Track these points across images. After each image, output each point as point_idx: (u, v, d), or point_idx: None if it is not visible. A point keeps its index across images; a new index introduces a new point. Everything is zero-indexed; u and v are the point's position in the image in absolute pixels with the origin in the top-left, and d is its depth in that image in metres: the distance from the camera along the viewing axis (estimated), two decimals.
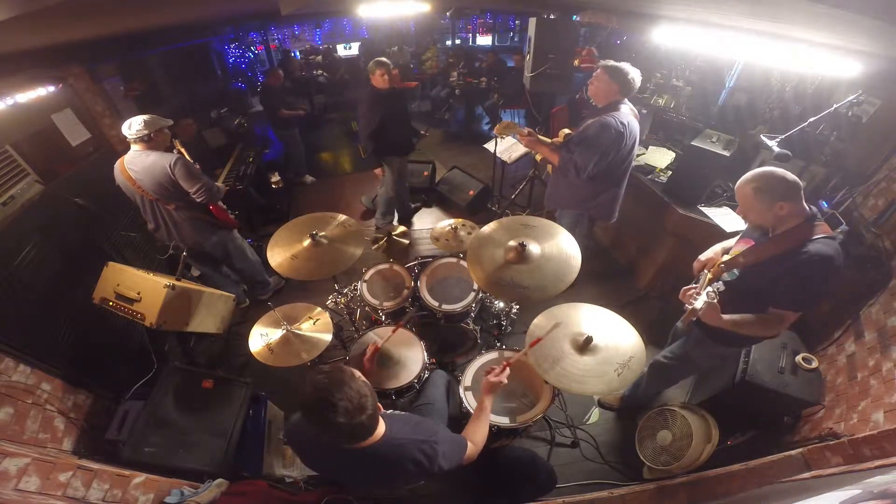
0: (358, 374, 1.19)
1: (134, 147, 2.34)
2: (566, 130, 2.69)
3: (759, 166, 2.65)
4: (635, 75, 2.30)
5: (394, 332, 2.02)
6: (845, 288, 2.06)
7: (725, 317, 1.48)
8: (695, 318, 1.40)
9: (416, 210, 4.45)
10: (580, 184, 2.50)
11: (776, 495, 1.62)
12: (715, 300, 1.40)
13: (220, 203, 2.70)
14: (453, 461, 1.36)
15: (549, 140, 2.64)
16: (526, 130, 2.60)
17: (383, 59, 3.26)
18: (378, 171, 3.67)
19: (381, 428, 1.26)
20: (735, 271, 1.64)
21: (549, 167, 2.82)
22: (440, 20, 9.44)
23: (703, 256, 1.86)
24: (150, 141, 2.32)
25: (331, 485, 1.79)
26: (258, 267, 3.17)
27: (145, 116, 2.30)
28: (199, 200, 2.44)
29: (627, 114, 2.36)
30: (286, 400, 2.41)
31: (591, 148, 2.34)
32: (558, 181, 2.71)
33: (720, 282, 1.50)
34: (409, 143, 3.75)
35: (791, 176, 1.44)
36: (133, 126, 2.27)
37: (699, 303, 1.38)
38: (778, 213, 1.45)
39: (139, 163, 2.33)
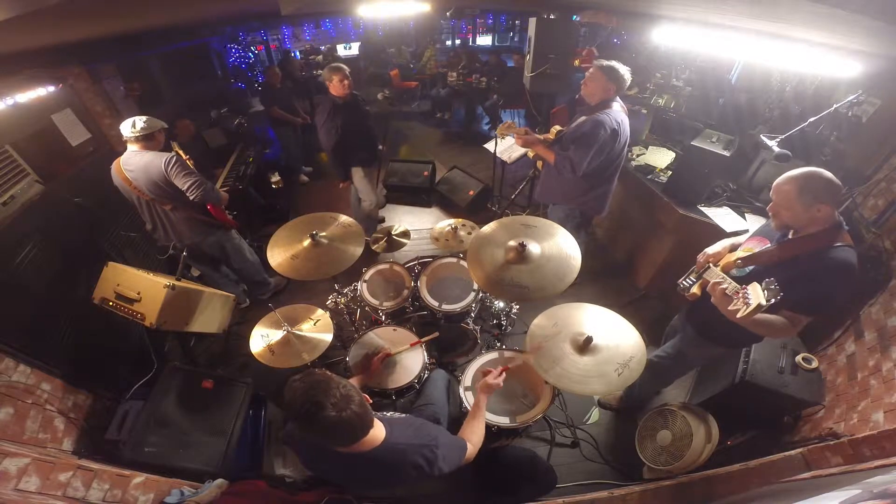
0: (330, 373, 1.20)
1: (131, 147, 2.35)
2: (558, 127, 2.71)
3: (759, 166, 2.69)
4: (627, 73, 2.34)
5: (412, 345, 2.08)
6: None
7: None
8: (751, 313, 1.30)
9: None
10: (572, 180, 2.52)
11: (776, 495, 1.61)
12: (777, 298, 1.31)
13: None
14: (453, 464, 1.37)
15: (542, 138, 2.66)
16: (523, 130, 2.62)
17: (340, 64, 3.12)
18: (344, 184, 3.55)
19: (382, 432, 1.26)
20: (746, 268, 1.63)
21: (540, 163, 2.83)
22: (440, 21, 9.46)
23: (709, 250, 1.83)
24: (149, 140, 2.33)
25: (331, 485, 1.79)
26: (257, 267, 3.17)
27: (144, 117, 2.32)
28: (192, 198, 2.42)
29: (619, 111, 2.38)
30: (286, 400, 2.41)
31: (586, 146, 2.35)
32: (550, 176, 2.73)
33: (768, 285, 1.35)
34: (372, 153, 3.58)
35: (835, 179, 1.41)
36: (137, 125, 2.28)
37: (762, 299, 1.29)
38: (815, 214, 1.43)
39: (135, 162, 2.33)
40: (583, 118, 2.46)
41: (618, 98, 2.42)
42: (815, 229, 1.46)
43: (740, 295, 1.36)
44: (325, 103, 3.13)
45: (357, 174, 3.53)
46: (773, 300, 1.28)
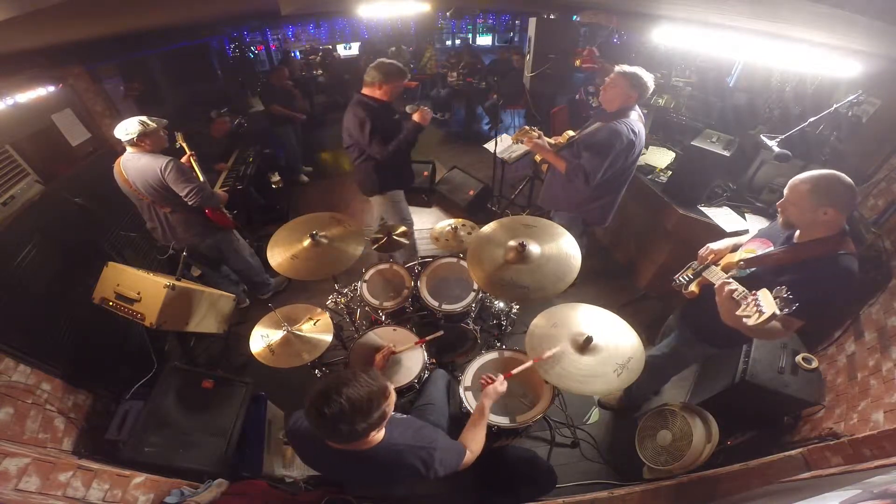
0: (391, 399, 1.20)
1: (129, 149, 2.33)
2: (570, 132, 2.63)
3: (759, 166, 2.69)
4: (650, 80, 2.24)
5: (417, 343, 2.06)
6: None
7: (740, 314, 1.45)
8: (767, 322, 1.26)
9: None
10: (578, 188, 2.44)
11: (776, 495, 1.62)
12: (791, 308, 1.26)
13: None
14: (450, 468, 1.37)
15: (553, 142, 2.59)
16: (536, 133, 2.50)
17: (397, 62, 2.52)
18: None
19: (381, 433, 1.26)
20: (747, 270, 1.62)
21: (545, 167, 2.79)
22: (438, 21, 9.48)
23: (714, 245, 1.82)
24: (138, 144, 2.28)
25: (331, 485, 1.79)
26: (257, 268, 3.17)
27: (135, 119, 2.26)
28: (190, 204, 2.40)
29: (637, 120, 2.30)
30: (286, 400, 2.41)
31: (601, 155, 2.26)
32: (555, 182, 2.68)
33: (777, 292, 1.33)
34: (411, 168, 3.04)
35: (853, 186, 1.38)
36: (129, 128, 2.24)
37: (775, 308, 1.25)
38: (820, 217, 1.41)
39: (132, 165, 2.32)
40: (597, 124, 2.36)
41: (636, 106, 2.33)
42: (822, 234, 1.45)
43: (750, 301, 1.32)
44: (364, 109, 2.50)
45: (395, 198, 2.99)
46: (785, 310, 1.25)
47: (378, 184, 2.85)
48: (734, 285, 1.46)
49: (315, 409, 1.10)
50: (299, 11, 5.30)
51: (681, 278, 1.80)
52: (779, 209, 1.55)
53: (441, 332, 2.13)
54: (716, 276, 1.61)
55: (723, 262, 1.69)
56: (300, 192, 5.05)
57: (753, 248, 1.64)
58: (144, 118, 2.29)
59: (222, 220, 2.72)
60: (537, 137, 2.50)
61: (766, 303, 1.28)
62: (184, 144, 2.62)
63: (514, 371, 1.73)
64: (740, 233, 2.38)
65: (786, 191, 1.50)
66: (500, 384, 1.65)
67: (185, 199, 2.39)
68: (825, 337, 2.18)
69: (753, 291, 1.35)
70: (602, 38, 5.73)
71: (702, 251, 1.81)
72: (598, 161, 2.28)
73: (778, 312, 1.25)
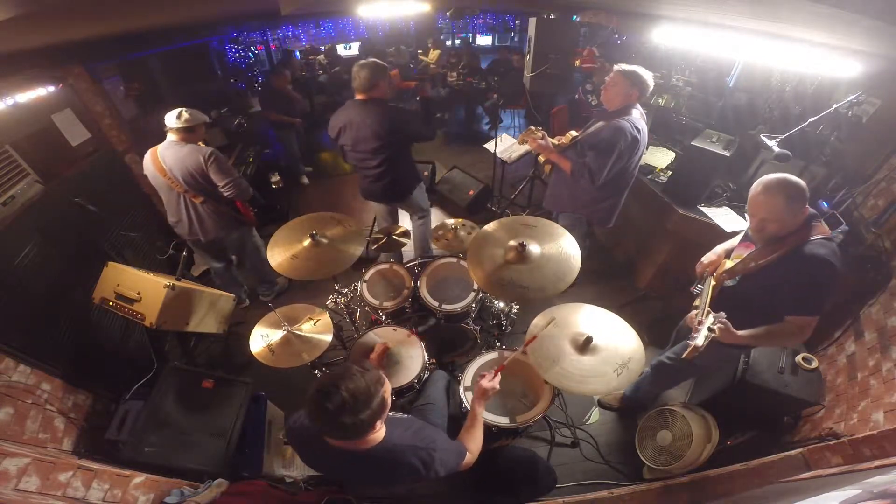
0: (387, 386, 1.21)
1: (171, 137, 2.39)
2: (573, 133, 2.62)
3: (759, 166, 2.69)
4: (650, 78, 2.26)
5: (409, 336, 2.06)
6: (845, 288, 2.06)
7: (741, 333, 1.46)
8: (697, 354, 1.32)
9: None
10: (584, 188, 2.43)
11: (776, 495, 1.62)
12: (715, 334, 1.33)
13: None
14: (450, 468, 1.37)
15: (556, 142, 2.59)
16: (540, 134, 2.51)
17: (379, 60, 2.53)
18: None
19: (381, 432, 1.26)
20: (736, 278, 1.63)
21: (548, 167, 2.78)
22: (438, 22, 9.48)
23: (705, 259, 1.83)
24: (195, 132, 2.40)
25: (331, 485, 1.79)
26: (270, 265, 3.17)
27: (190, 109, 2.39)
28: (227, 195, 2.47)
29: (639, 118, 2.30)
30: (286, 400, 2.41)
31: (605, 154, 2.26)
32: (560, 183, 2.67)
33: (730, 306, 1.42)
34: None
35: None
36: (182, 116, 2.34)
37: (700, 340, 1.30)
38: (800, 218, 1.42)
39: (173, 153, 2.37)
40: (600, 123, 2.36)
41: (638, 105, 2.33)
42: (787, 230, 1.45)
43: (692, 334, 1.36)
44: (396, 108, 2.70)
45: (423, 182, 3.14)
46: (704, 343, 1.29)
47: (419, 172, 3.03)
48: (692, 312, 1.50)
49: (317, 406, 1.10)
50: (299, 11, 5.29)
51: (695, 290, 1.85)
52: (754, 230, 1.53)
53: (433, 322, 2.13)
54: (706, 292, 1.62)
55: (717, 271, 1.69)
56: (300, 192, 5.05)
57: (741, 254, 1.64)
58: (195, 110, 2.41)
59: (247, 214, 2.79)
60: (541, 138, 2.50)
61: (700, 336, 1.31)
62: (201, 144, 2.65)
63: (505, 362, 1.73)
64: (739, 233, 2.38)
65: (755, 210, 1.47)
66: (489, 381, 1.63)
67: (223, 190, 2.45)
68: (825, 337, 2.18)
69: (701, 321, 1.39)
70: (602, 38, 5.73)
71: (697, 267, 1.83)
72: (603, 160, 2.28)
73: (700, 345, 1.29)
